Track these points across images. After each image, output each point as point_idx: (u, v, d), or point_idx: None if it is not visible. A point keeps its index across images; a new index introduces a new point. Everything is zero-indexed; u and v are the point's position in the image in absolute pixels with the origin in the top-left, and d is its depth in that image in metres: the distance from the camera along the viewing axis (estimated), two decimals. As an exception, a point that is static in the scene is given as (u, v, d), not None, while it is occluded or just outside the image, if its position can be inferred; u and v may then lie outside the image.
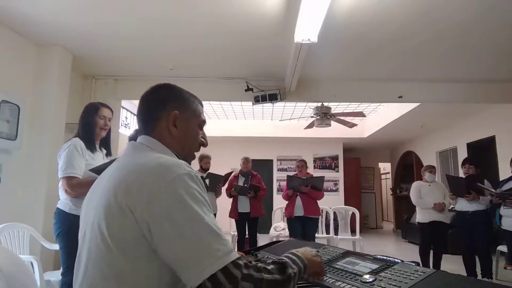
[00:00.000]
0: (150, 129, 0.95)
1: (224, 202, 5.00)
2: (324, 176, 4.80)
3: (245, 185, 4.73)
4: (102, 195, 0.82)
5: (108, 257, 0.77)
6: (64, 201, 2.17)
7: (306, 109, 6.91)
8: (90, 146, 2.26)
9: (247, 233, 4.85)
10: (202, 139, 1.03)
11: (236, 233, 5.12)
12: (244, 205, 4.72)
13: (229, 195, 4.85)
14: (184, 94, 1.00)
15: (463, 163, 4.31)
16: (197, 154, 5.23)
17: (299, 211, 4.43)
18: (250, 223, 4.77)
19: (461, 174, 4.78)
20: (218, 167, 5.12)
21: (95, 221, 0.80)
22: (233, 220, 5.01)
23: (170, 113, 0.94)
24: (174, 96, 0.98)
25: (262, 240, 4.67)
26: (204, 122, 1.03)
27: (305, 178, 4.52)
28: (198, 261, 0.70)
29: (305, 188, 4.43)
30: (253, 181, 4.81)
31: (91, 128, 2.30)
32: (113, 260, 0.76)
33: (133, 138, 2.58)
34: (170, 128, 0.94)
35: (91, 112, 2.32)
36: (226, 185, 4.84)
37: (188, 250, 0.71)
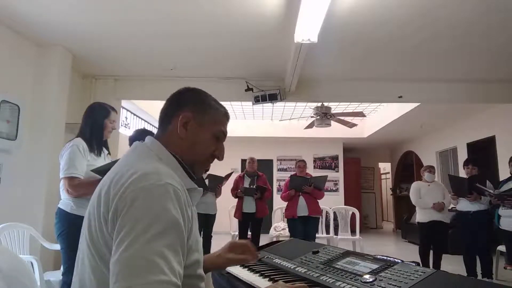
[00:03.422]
0: (163, 128, 0.94)
1: (224, 202, 5.00)
2: (327, 176, 4.80)
3: (252, 186, 4.72)
4: (92, 199, 0.82)
5: (92, 263, 0.77)
6: (65, 201, 2.17)
7: (306, 109, 6.91)
8: (97, 148, 2.24)
9: (249, 233, 4.84)
10: (217, 151, 0.96)
11: (235, 232, 5.12)
12: (249, 206, 4.70)
13: (235, 196, 4.84)
14: (207, 99, 0.97)
15: (466, 164, 4.31)
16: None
17: (303, 211, 4.42)
18: (254, 223, 4.76)
19: (462, 174, 4.79)
20: (218, 167, 5.10)
21: (85, 226, 0.81)
22: (233, 220, 5.01)
23: (184, 114, 0.92)
24: (195, 99, 0.95)
25: (262, 240, 4.67)
26: (222, 132, 0.97)
27: (309, 178, 4.52)
28: (133, 276, 0.65)
29: (308, 188, 4.43)
30: (259, 182, 4.79)
31: (100, 130, 2.28)
32: (96, 267, 0.76)
33: (133, 138, 2.58)
34: (180, 129, 0.91)
35: (101, 115, 2.29)
36: (232, 185, 4.83)
37: (128, 263, 0.66)
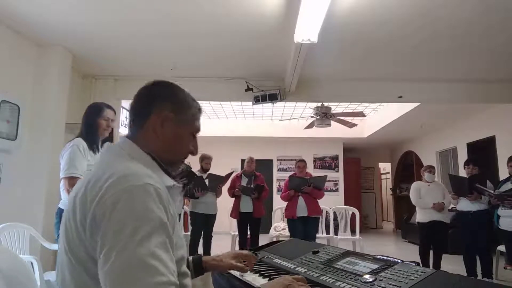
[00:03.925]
0: (138, 126, 0.89)
1: (224, 202, 5.00)
2: (326, 176, 4.79)
3: (249, 186, 4.72)
4: (69, 201, 0.79)
5: (70, 268, 0.74)
6: (66, 201, 2.17)
7: (306, 109, 6.91)
8: (93, 147, 2.27)
9: (248, 233, 4.84)
10: (192, 148, 0.95)
11: (235, 232, 5.11)
12: (246, 205, 4.70)
13: (232, 195, 4.84)
14: (184, 96, 0.94)
15: (467, 163, 4.31)
16: (199, 153, 5.23)
17: (302, 211, 4.41)
18: (253, 223, 4.76)
19: (462, 174, 4.78)
20: (218, 167, 5.12)
21: (62, 232, 0.78)
22: (233, 220, 5.01)
23: (162, 112, 0.88)
24: (172, 96, 0.92)
25: (262, 240, 4.67)
26: (198, 130, 0.96)
27: (308, 178, 4.52)
28: (129, 284, 0.63)
29: (308, 188, 4.43)
30: (256, 182, 4.79)
31: (94, 129, 2.30)
32: (74, 272, 0.74)
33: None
34: (156, 127, 0.87)
35: (95, 113, 2.32)
36: (229, 184, 4.84)
37: (122, 269, 0.64)
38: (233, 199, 4.87)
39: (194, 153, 0.96)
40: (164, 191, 0.76)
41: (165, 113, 0.88)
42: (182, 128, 0.91)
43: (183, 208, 4.44)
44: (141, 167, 0.79)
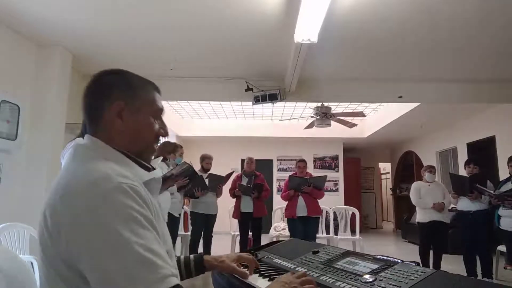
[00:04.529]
0: (94, 125, 0.82)
1: (224, 202, 5.00)
2: (326, 176, 4.79)
3: (249, 185, 4.73)
4: (40, 213, 0.74)
5: (47, 275, 0.71)
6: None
7: (306, 109, 6.91)
8: None
9: (250, 233, 4.84)
10: (161, 130, 0.88)
11: (235, 233, 5.11)
12: (247, 205, 4.70)
13: (233, 195, 4.84)
14: (132, 80, 0.86)
15: (467, 163, 4.31)
16: (199, 153, 5.12)
17: (302, 211, 4.41)
18: (254, 223, 4.76)
19: (462, 174, 4.77)
20: (218, 167, 5.12)
21: (38, 236, 0.75)
22: (233, 220, 5.01)
23: (114, 104, 0.80)
24: (119, 83, 0.84)
25: (262, 240, 4.67)
26: (160, 110, 0.89)
27: (308, 178, 4.51)
28: (133, 285, 0.61)
29: (307, 188, 4.43)
30: (256, 181, 4.80)
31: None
32: (50, 278, 0.71)
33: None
34: (115, 122, 0.80)
35: None
36: (230, 185, 4.84)
37: (122, 272, 0.62)
38: (234, 199, 4.88)
39: (163, 134, 0.90)
40: (141, 187, 0.73)
41: (117, 103, 0.81)
42: (142, 114, 0.84)
43: (183, 208, 4.44)
44: (112, 166, 0.74)
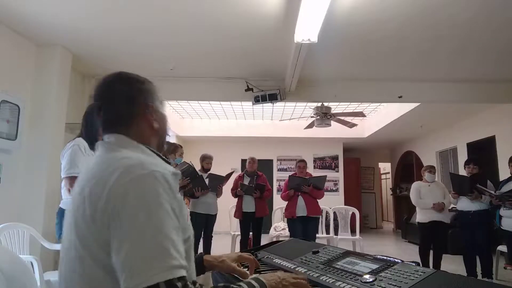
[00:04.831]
0: (124, 124, 0.89)
1: (224, 202, 4.99)
2: (326, 176, 4.79)
3: (251, 185, 4.72)
4: (73, 199, 0.80)
5: (84, 267, 0.74)
6: (67, 201, 2.18)
7: (306, 109, 6.91)
8: (93, 147, 2.26)
9: (250, 233, 4.84)
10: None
11: (235, 232, 5.10)
12: (249, 205, 4.70)
13: (235, 195, 4.83)
14: (145, 84, 0.95)
15: (467, 163, 4.30)
16: (199, 153, 5.10)
17: (301, 211, 4.41)
18: (255, 223, 4.75)
19: (462, 174, 4.77)
20: (218, 167, 5.12)
21: (70, 231, 0.78)
22: (233, 220, 5.00)
23: (147, 107, 0.91)
24: (141, 89, 0.93)
25: (262, 240, 4.67)
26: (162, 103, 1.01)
27: (308, 178, 4.51)
28: (145, 268, 0.65)
29: (307, 188, 4.43)
30: (258, 181, 4.79)
31: (95, 129, 2.30)
32: (90, 270, 0.73)
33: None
34: (152, 123, 0.91)
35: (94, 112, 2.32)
36: (232, 185, 4.84)
37: (139, 255, 0.66)
38: (235, 199, 4.87)
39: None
40: (170, 177, 0.78)
41: (151, 108, 0.91)
42: (162, 112, 0.96)
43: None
44: (143, 156, 0.82)
